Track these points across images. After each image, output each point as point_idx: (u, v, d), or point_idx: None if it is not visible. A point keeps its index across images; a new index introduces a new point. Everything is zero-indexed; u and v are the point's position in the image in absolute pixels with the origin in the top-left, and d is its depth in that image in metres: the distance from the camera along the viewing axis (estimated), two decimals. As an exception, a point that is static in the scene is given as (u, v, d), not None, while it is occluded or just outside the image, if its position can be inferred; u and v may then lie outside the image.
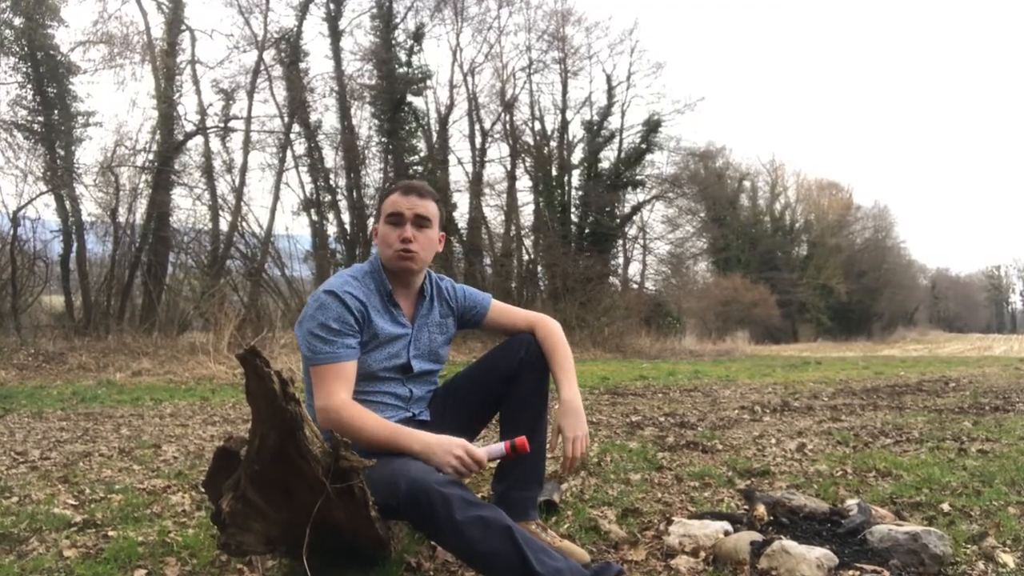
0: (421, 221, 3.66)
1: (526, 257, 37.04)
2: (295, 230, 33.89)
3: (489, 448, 3.37)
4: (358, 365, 3.53)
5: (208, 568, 3.65)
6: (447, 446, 3.25)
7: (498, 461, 3.64)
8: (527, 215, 37.82)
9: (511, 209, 36.23)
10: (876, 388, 12.90)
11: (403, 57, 32.97)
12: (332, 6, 31.50)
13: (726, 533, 3.75)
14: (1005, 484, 5.10)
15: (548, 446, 3.71)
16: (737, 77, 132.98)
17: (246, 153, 27.56)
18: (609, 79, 38.92)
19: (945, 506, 4.51)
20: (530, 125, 37.61)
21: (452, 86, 34.64)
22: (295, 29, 29.91)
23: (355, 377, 3.47)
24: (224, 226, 27.51)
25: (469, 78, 34.95)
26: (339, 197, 31.97)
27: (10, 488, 5.41)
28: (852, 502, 4.18)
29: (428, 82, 33.76)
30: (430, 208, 3.69)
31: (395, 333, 3.66)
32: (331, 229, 31.94)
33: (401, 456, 3.19)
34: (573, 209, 38.22)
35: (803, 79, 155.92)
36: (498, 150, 40.98)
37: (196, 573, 3.60)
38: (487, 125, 35.73)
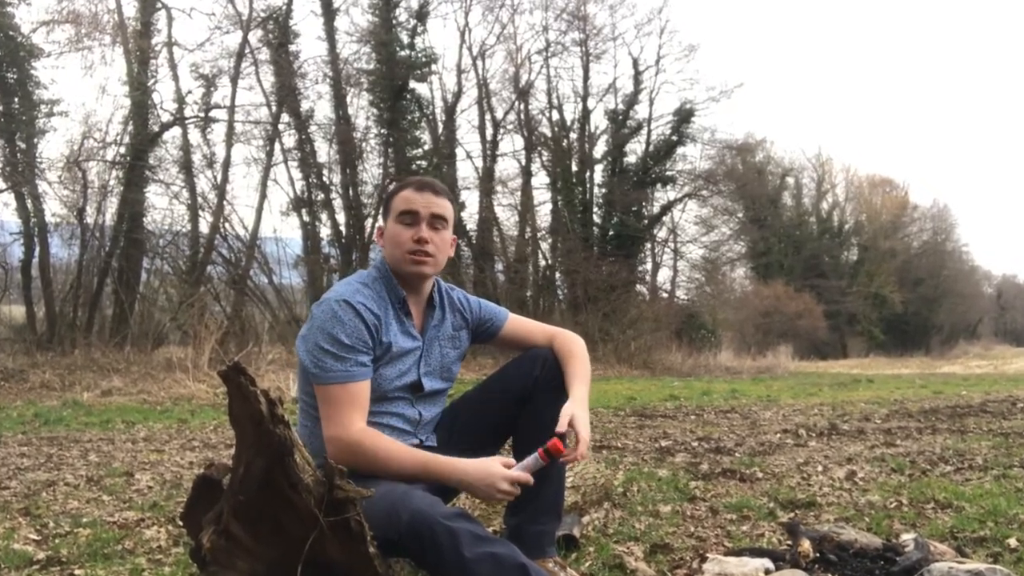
0: (437, 221, 3.66)
1: (543, 263, 37.07)
2: (284, 232, 34.06)
3: (526, 464, 3.40)
4: None
5: (186, 610, 3.66)
6: (488, 477, 3.29)
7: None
8: (544, 216, 37.89)
9: (526, 209, 36.25)
10: (935, 409, 12.87)
11: (405, 39, 32.87)
12: (326, -19, 31.48)
13: (767, 572, 3.75)
14: (1081, 517, 5.09)
15: (559, 424, 3.64)
16: (779, 61, 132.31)
17: (229, 146, 27.60)
18: (636, 63, 38.91)
19: (1012, 541, 4.50)
20: (547, 115, 37.66)
21: (460, 71, 34.65)
22: (284, 7, 29.86)
23: (368, 401, 3.47)
24: (205, 228, 27.53)
25: (479, 62, 35.01)
26: (333, 195, 31.97)
27: (-34, 521, 5.43)
28: (908, 537, 4.17)
29: (433, 67, 33.74)
30: (446, 207, 3.70)
31: (407, 347, 3.66)
32: (324, 231, 31.98)
33: (403, 485, 3.19)
34: (595, 209, 38.20)
35: (853, 63, 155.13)
36: (511, 143, 40.92)
37: (173, 616, 3.61)
38: (499, 115, 35.81)
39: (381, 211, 3.75)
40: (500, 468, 3.33)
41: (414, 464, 3.33)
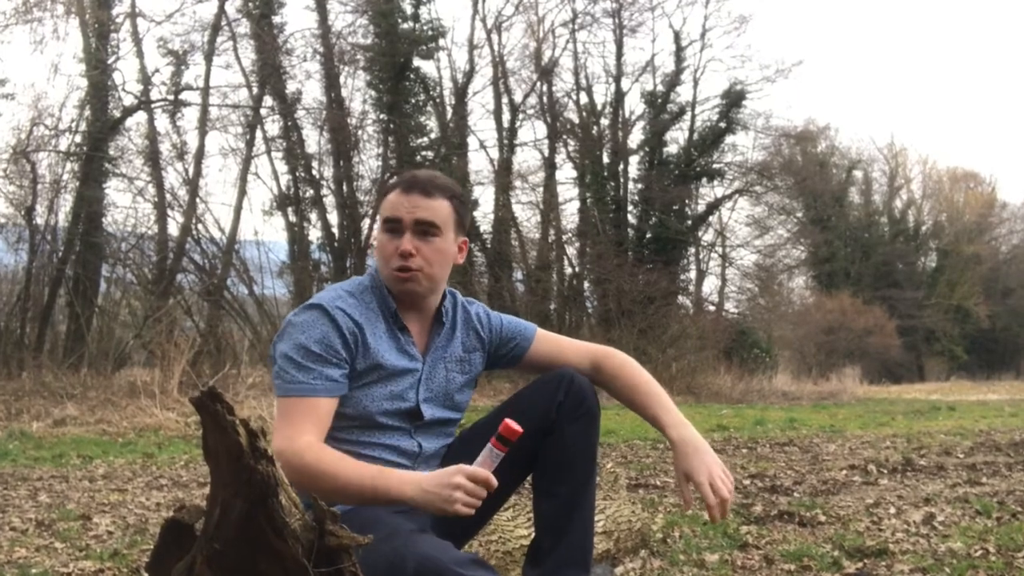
0: (425, 228, 3.57)
1: (569, 270, 37.12)
2: (267, 235, 34.01)
3: (481, 460, 3.31)
4: (353, 405, 3.51)
5: (153, 676, 3.65)
6: (442, 479, 3.19)
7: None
8: (570, 215, 37.95)
9: (549, 208, 36.17)
10: (1029, 442, 12.87)
11: (408, 9, 32.83)
12: (315, -59, 31.45)
13: (831, 633, 3.74)
14: None
15: (683, 502, 3.61)
16: (844, 35, 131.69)
17: (203, 134, 27.71)
18: (677, 37, 38.76)
19: (1119, 598, 4.49)
20: (574, 98, 37.67)
21: (472, 47, 34.67)
22: (268, -28, 29.92)
23: (331, 420, 3.44)
24: (174, 230, 27.64)
25: (494, 36, 35.02)
26: (324, 192, 32.00)
27: None
28: (997, 592, 4.17)
29: (441, 42, 33.78)
30: (438, 210, 3.60)
31: (401, 366, 3.62)
32: (314, 233, 32.01)
33: (407, 528, 3.18)
34: (631, 207, 38.18)
35: (931, 38, 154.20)
36: (532, 130, 40.74)
37: None
38: (518, 98, 35.85)
39: (374, 213, 3.73)
40: (453, 467, 3.23)
41: (362, 478, 3.26)
